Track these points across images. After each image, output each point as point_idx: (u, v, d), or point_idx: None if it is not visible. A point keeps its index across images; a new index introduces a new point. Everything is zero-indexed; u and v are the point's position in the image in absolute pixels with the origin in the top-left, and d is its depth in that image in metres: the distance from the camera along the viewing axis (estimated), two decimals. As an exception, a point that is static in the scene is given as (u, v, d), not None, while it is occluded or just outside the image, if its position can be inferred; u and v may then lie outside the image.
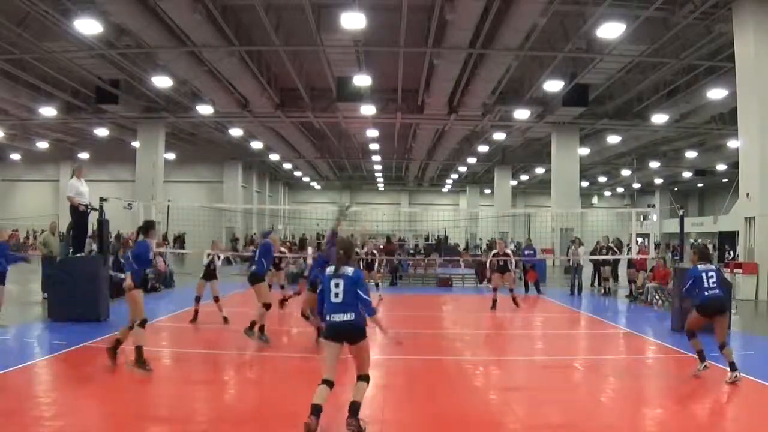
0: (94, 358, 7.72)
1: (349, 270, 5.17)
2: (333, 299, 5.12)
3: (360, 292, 5.10)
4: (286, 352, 8.99)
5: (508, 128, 27.70)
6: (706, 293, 7.13)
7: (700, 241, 32.34)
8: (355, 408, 4.97)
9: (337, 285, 5.12)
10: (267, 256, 9.26)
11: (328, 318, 5.16)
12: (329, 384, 5.02)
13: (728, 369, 6.80)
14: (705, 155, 32.80)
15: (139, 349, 6.89)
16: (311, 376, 7.02)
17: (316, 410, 4.87)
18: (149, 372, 6.78)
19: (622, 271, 18.05)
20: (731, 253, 29.15)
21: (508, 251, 14.43)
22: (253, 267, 9.31)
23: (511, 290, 13.95)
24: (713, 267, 7.42)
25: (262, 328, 8.77)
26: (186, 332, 10.16)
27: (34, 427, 4.99)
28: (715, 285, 7.14)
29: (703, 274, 7.21)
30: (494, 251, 14.56)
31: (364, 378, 5.12)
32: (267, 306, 8.81)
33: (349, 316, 5.06)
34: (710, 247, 31.02)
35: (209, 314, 11.79)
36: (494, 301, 13.38)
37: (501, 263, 13.93)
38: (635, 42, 16.26)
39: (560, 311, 14.14)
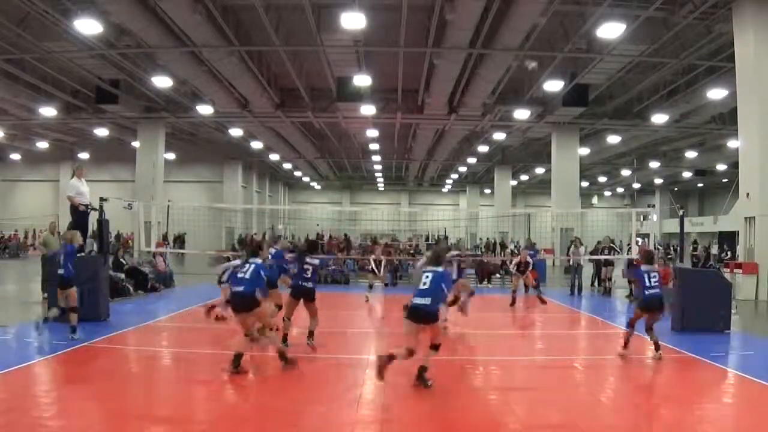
0: (94, 358, 7.73)
1: (439, 269, 6.59)
2: (421, 287, 6.50)
3: (443, 286, 6.55)
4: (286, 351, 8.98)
5: (508, 128, 27.70)
6: (647, 292, 8.06)
7: (673, 242, 32.45)
8: (422, 369, 6.48)
9: (427, 277, 6.51)
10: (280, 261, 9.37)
11: (412, 301, 6.49)
12: (410, 352, 6.35)
13: (654, 349, 8.02)
14: (705, 155, 32.79)
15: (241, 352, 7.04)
16: (311, 376, 7.04)
17: (390, 358, 6.27)
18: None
19: (617, 271, 18.02)
20: (728, 253, 29.11)
21: (529, 260, 14.82)
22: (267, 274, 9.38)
23: (535, 288, 14.50)
24: (656, 268, 8.35)
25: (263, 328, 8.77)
26: (186, 332, 10.16)
27: (34, 427, 4.99)
28: (656, 285, 8.04)
29: (646, 275, 8.07)
30: (518, 259, 15.15)
31: (435, 347, 6.54)
32: (279, 306, 8.90)
33: (426, 301, 6.39)
34: (715, 247, 31.04)
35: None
36: (513, 299, 14.08)
37: (521, 268, 14.48)
38: (635, 42, 16.26)
39: (560, 311, 14.13)
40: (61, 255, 8.88)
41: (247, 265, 7.07)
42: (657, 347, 8.01)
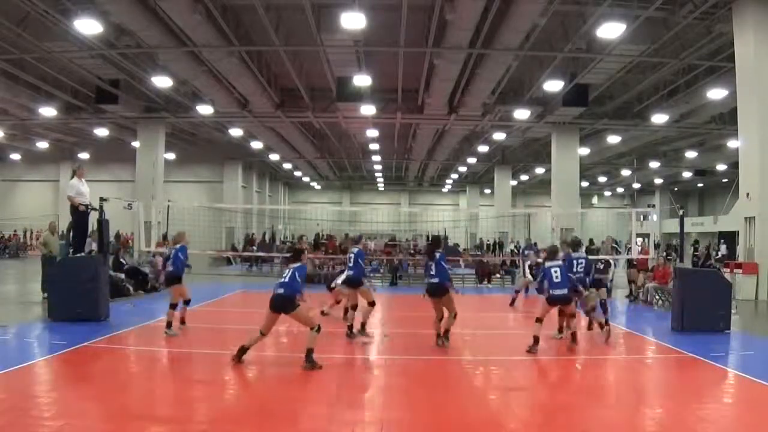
0: (94, 358, 7.73)
1: (559, 261, 8.80)
2: (554, 280, 8.59)
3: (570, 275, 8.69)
4: (286, 352, 8.99)
5: (508, 128, 27.68)
6: (552, 291, 8.78)
7: (675, 242, 32.34)
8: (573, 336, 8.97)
9: (555, 271, 8.66)
10: (362, 260, 9.97)
11: (551, 292, 8.65)
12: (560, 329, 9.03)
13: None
14: (705, 155, 32.78)
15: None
16: (311, 376, 7.04)
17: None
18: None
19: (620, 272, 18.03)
20: (718, 252, 28.90)
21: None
22: (351, 272, 9.83)
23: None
24: (560, 263, 8.96)
25: (363, 326, 9.52)
26: (186, 332, 10.15)
27: (34, 427, 4.99)
28: (559, 280, 8.71)
29: (551, 270, 8.75)
30: (531, 262, 15.15)
31: (573, 315, 8.96)
32: (372, 304, 9.59)
33: (563, 291, 8.59)
34: (723, 247, 30.71)
35: (209, 314, 11.83)
36: (514, 300, 14.10)
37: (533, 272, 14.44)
38: (635, 42, 16.25)
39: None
40: (171, 252, 9.55)
41: (288, 270, 7.48)
42: (601, 326, 9.34)
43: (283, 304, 7.23)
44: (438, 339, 8.69)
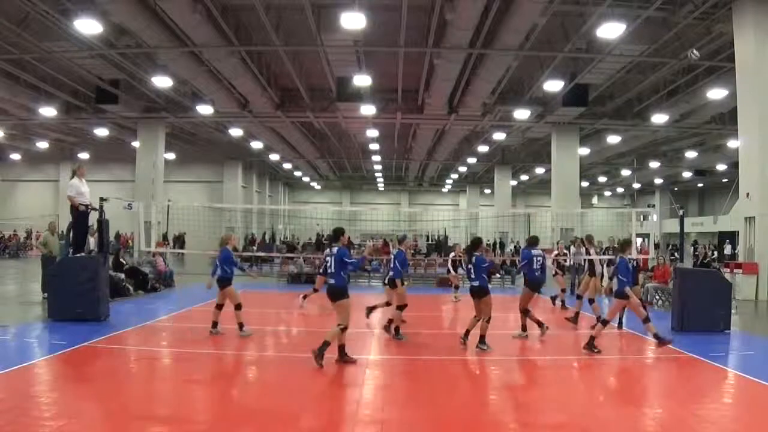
0: (94, 358, 7.73)
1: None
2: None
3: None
4: (287, 352, 8.99)
5: (508, 128, 27.69)
6: (536, 274, 9.43)
7: (698, 240, 32.33)
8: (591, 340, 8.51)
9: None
10: (403, 262, 10.05)
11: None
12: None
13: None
14: (705, 155, 32.79)
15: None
16: (311, 376, 7.04)
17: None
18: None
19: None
20: (713, 252, 28.75)
21: (566, 251, 14.45)
22: (391, 273, 9.95)
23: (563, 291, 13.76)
24: (541, 252, 9.69)
25: (397, 329, 9.47)
26: (186, 332, 10.16)
27: (34, 427, 4.99)
28: (539, 267, 9.36)
29: (534, 258, 9.49)
30: (555, 252, 14.81)
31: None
32: (402, 307, 9.55)
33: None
34: (728, 247, 30.52)
35: (207, 314, 11.75)
36: (562, 301, 13.50)
37: (561, 263, 14.17)
38: (635, 42, 16.26)
39: (560, 311, 14.11)
40: (219, 255, 9.59)
41: (330, 258, 7.64)
42: (536, 326, 9.55)
43: (333, 292, 7.52)
44: (463, 338, 8.74)
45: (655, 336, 8.29)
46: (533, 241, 10.16)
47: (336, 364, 7.40)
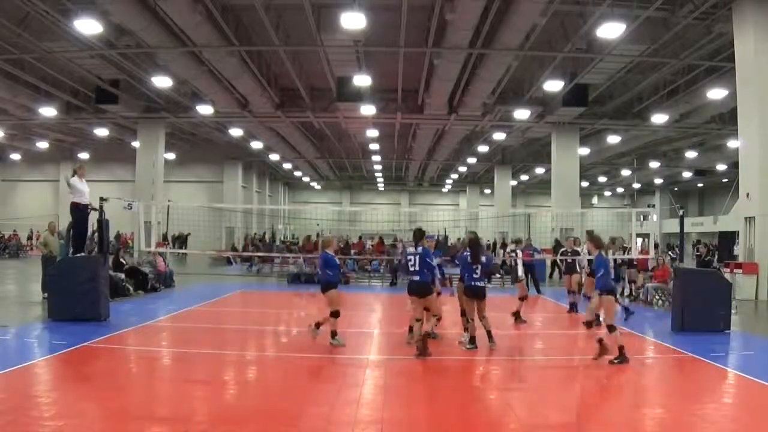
0: (94, 358, 7.73)
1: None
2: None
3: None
4: (286, 351, 8.99)
5: (508, 128, 27.69)
6: (473, 282, 8.64)
7: (700, 240, 32.27)
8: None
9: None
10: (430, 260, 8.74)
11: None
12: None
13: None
14: (705, 155, 32.80)
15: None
16: (311, 376, 7.05)
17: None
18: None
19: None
20: (716, 252, 28.56)
21: (578, 249, 13.08)
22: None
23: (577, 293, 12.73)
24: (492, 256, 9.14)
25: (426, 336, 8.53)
26: (186, 332, 10.17)
27: (34, 427, 4.99)
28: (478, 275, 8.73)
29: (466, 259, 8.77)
30: (563, 249, 13.85)
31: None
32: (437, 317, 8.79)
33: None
34: (736, 247, 30.17)
35: (206, 314, 11.81)
36: (573, 305, 12.62)
37: (569, 262, 12.95)
38: (635, 42, 16.25)
39: (560, 311, 14.12)
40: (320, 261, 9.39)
41: (414, 257, 8.15)
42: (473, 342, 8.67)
43: (418, 289, 8.07)
44: (469, 341, 8.64)
45: (599, 341, 7.89)
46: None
47: (336, 364, 7.39)
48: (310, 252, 20.20)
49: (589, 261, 11.18)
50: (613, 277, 8.64)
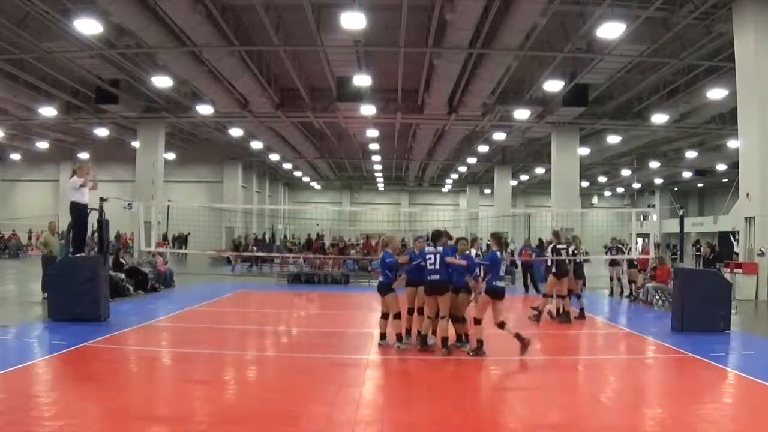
0: (94, 358, 7.73)
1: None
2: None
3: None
4: (286, 351, 8.99)
5: (508, 128, 27.69)
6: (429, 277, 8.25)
7: (700, 240, 32.23)
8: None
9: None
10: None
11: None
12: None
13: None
14: (705, 155, 32.79)
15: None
16: (311, 376, 7.04)
17: None
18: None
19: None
20: (707, 248, 28.39)
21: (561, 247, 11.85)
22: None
23: (578, 296, 12.04)
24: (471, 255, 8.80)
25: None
26: (186, 332, 10.17)
27: (34, 427, 4.99)
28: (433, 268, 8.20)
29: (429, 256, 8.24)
30: (552, 244, 12.21)
31: None
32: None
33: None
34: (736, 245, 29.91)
35: (206, 314, 11.80)
36: (582, 311, 11.91)
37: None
38: (635, 42, 16.25)
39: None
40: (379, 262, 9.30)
41: (433, 256, 8.19)
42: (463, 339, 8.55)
43: (438, 288, 8.11)
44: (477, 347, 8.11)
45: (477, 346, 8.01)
46: (437, 237, 8.68)
47: (336, 364, 7.39)
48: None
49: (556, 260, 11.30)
50: (501, 275, 8.33)
